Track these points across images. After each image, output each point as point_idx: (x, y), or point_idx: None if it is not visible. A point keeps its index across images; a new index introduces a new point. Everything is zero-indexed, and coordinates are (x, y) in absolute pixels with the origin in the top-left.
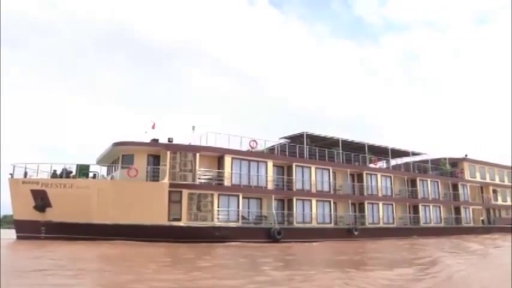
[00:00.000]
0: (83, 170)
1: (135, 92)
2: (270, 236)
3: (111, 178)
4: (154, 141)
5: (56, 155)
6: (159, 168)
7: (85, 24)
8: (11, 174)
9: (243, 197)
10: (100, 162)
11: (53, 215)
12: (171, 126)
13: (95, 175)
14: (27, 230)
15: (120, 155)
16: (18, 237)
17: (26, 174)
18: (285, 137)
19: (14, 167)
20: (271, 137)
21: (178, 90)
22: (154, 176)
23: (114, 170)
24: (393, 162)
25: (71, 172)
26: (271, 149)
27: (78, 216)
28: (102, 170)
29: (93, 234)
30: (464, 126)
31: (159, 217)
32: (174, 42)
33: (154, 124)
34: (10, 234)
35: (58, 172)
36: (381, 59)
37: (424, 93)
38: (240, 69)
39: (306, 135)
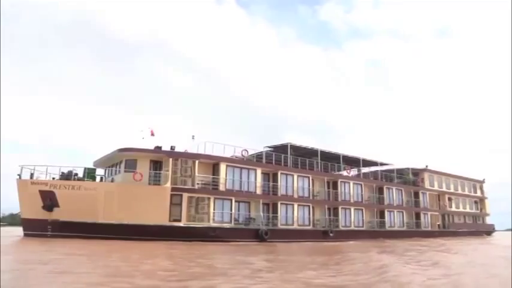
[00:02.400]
0: (90, 173)
1: (96, 87)
2: (258, 236)
3: (112, 180)
4: (158, 148)
5: (17, 149)
6: (159, 173)
7: (49, 14)
8: (19, 175)
9: (235, 201)
10: (98, 164)
11: (60, 214)
12: (134, 126)
13: (101, 178)
14: (34, 228)
15: (123, 159)
16: (25, 235)
17: (32, 175)
18: (270, 146)
19: (21, 168)
20: (236, 136)
21: (141, 88)
22: (155, 180)
23: (114, 173)
24: (363, 170)
25: (77, 174)
26: (256, 157)
27: (84, 216)
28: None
29: (98, 233)
30: (426, 134)
31: (161, 218)
32: (139, 38)
33: (152, 131)
34: (9, 231)
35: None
36: (345, 65)
37: (386, 100)
38: (204, 66)
39: (290, 145)
